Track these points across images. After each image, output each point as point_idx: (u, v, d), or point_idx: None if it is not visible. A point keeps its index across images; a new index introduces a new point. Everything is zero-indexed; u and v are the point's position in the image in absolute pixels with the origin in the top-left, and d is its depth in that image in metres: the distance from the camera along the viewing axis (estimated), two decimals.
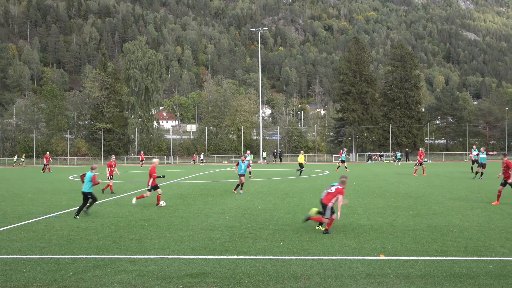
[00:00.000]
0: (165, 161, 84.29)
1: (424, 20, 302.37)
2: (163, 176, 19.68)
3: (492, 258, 9.74)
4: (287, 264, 9.52)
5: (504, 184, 18.59)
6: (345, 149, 47.68)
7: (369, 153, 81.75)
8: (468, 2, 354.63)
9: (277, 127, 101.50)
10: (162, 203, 18.88)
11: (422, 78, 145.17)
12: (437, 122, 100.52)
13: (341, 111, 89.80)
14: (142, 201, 20.20)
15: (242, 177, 23.66)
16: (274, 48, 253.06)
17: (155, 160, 19.39)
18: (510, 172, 18.47)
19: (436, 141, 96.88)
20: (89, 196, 16.28)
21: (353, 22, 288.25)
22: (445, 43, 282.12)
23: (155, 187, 18.83)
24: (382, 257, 9.94)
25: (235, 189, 23.82)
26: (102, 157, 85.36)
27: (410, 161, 73.04)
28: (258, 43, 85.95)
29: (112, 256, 10.33)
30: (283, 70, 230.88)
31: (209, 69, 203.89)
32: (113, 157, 27.00)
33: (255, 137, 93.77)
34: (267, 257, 10.09)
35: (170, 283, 8.42)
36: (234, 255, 10.26)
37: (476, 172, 32.04)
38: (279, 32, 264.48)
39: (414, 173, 36.69)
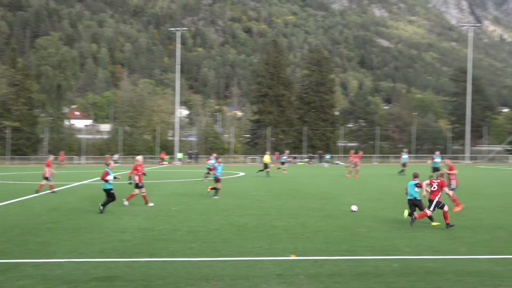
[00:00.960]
0: (75, 162, 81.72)
1: (341, 26, 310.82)
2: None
3: (397, 257, 10.15)
4: (199, 265, 9.48)
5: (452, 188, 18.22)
6: (288, 151, 48.57)
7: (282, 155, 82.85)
8: (382, 10, 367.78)
9: (193, 128, 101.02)
10: (150, 203, 19.13)
11: (337, 83, 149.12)
12: (350, 125, 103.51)
13: (258, 113, 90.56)
14: (50, 203, 19.50)
15: (219, 182, 22.17)
16: (193, 48, 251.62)
17: (139, 158, 19.50)
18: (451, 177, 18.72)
19: (348, 144, 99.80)
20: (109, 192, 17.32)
21: (273, 25, 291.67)
22: (360, 49, 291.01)
23: (139, 184, 18.92)
24: (293, 257, 10.11)
25: (215, 195, 21.87)
26: (9, 156, 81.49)
27: (323, 163, 74.78)
28: (177, 43, 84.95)
29: (15, 261, 9.89)
30: (201, 71, 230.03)
31: (125, 68, 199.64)
32: (51, 157, 26.01)
33: (171, 138, 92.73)
34: (179, 259, 10.01)
35: (76, 287, 8.16)
36: (145, 258, 10.10)
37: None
38: (198, 33, 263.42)
39: (349, 174, 38.02)
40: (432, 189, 14.18)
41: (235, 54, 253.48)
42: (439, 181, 14.26)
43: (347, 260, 9.87)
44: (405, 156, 40.89)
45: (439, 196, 13.93)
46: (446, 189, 14.29)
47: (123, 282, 8.39)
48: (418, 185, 14.52)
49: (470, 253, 10.57)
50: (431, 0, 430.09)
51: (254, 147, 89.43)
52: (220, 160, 23.55)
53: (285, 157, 45.00)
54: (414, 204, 14.56)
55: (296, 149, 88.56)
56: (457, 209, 16.87)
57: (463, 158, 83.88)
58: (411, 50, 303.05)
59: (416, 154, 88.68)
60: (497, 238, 12.19)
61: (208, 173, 34.92)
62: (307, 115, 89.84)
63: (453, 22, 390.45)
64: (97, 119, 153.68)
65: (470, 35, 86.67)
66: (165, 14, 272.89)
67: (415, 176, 14.84)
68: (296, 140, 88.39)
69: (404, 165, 40.21)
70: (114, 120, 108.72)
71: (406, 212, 14.82)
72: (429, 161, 31.64)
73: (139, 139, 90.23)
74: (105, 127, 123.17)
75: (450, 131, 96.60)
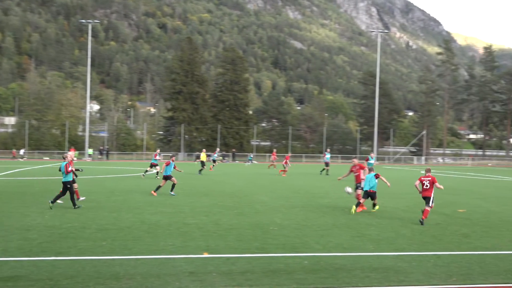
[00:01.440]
0: None
1: (255, 26, 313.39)
2: (81, 170, 19.74)
3: (307, 254, 10.36)
4: (109, 264, 9.25)
5: (358, 187, 18.60)
6: (218, 149, 48.93)
7: (198, 152, 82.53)
8: (296, 13, 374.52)
9: (105, 123, 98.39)
10: (81, 197, 18.96)
11: (251, 82, 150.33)
12: (263, 124, 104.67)
13: (172, 110, 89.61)
14: None
15: (173, 178, 21.87)
16: (105, 42, 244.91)
17: (70, 154, 18.83)
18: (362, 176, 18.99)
19: (261, 143, 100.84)
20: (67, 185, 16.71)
21: (187, 22, 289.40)
22: (274, 50, 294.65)
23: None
24: (206, 255, 10.08)
25: (155, 191, 21.74)
26: None
27: (237, 161, 75.23)
28: (88, 35, 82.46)
29: None
30: (114, 65, 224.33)
31: (33, 59, 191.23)
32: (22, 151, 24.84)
33: (81, 133, 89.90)
34: (88, 257, 9.71)
35: None
36: (52, 256, 9.71)
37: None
38: (111, 26, 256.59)
39: (281, 172, 38.94)
40: (424, 187, 15.02)
41: (149, 49, 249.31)
42: (429, 178, 15.07)
43: (259, 258, 9.96)
44: (328, 156, 41.82)
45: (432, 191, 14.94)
46: (437, 184, 15.12)
47: (28, 282, 8.03)
48: (377, 176, 16.30)
49: (376, 250, 10.96)
50: (343, 5, 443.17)
51: (167, 144, 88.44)
52: (173, 158, 22.88)
53: (215, 155, 46.50)
54: (369, 195, 16.04)
55: (209, 147, 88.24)
56: (360, 209, 17.19)
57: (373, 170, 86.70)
58: (323, 52, 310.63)
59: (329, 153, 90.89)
60: (401, 236, 12.73)
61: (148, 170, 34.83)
62: (221, 113, 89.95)
63: (363, 27, 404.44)
64: (1, 112, 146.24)
65: (379, 40, 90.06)
66: (75, 5, 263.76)
67: (370, 169, 16.91)
68: (210, 138, 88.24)
69: (327, 164, 41.05)
70: (20, 113, 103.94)
71: (353, 208, 16.20)
72: (364, 162, 32.46)
73: (47, 133, 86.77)
74: (10, 120, 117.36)
75: (359, 132, 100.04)
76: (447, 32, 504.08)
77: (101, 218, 14.65)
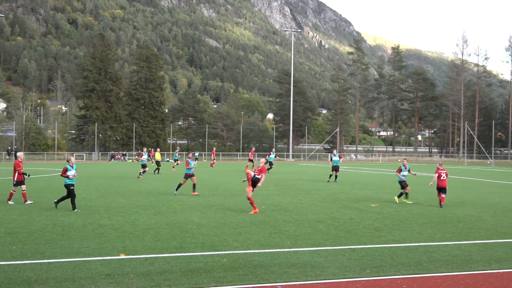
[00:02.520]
0: None
1: (170, 23, 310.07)
2: (28, 175, 18.82)
3: (226, 252, 10.39)
4: (20, 269, 8.87)
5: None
6: (179, 148, 48.90)
7: (112, 152, 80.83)
8: (210, 11, 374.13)
9: (12, 122, 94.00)
10: (29, 201, 18.11)
11: (167, 80, 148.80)
12: (180, 123, 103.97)
13: (84, 108, 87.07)
14: None
15: (194, 177, 22.34)
16: (11, 37, 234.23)
17: (20, 154, 18.33)
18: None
19: (178, 142, 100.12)
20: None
21: (99, 18, 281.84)
22: (189, 47, 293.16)
23: (20, 182, 17.88)
24: (122, 256, 9.89)
25: (176, 189, 22.12)
26: None
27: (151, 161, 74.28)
28: None
29: None
30: (21, 61, 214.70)
31: None
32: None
33: None
34: None
35: None
36: None
37: (330, 175, 31.53)
38: (17, 21, 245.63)
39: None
40: (441, 178, 18.73)
41: (59, 45, 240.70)
42: (445, 171, 18.97)
43: (178, 257, 9.89)
44: (272, 155, 41.44)
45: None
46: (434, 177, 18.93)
47: None
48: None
49: (293, 246, 11.16)
50: (257, 4, 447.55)
51: (80, 143, 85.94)
52: (190, 156, 22.94)
53: (177, 155, 47.31)
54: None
55: (125, 146, 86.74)
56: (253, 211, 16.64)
57: (287, 156, 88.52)
58: (238, 51, 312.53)
59: (242, 152, 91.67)
60: (317, 231, 13.04)
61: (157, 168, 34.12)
62: (136, 112, 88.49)
63: (277, 26, 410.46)
64: None
65: (292, 40, 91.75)
66: None
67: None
68: (125, 137, 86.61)
69: (270, 164, 40.63)
70: None
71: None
72: (330, 161, 32.60)
73: None
74: None
75: (275, 130, 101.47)
76: (357, 32, 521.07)
77: (10, 221, 14.02)
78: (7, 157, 74.81)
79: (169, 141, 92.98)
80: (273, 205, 18.61)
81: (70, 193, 16.54)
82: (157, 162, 39.64)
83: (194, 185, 22.45)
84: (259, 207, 17.58)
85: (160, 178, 32.86)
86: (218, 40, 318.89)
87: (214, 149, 55.57)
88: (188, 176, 22.01)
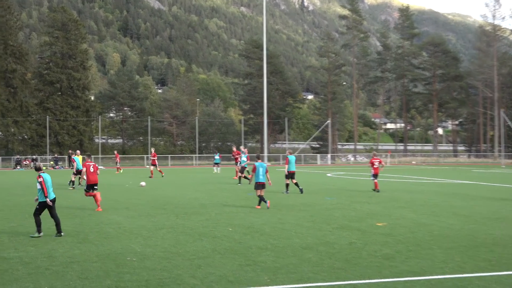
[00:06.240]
0: None
1: None
2: None
3: None
4: None
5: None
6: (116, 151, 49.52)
7: (18, 156, 79.75)
8: None
9: None
10: None
11: (92, 55, 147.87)
12: (112, 115, 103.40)
13: None
14: None
15: (262, 189, 23.98)
16: None
17: None
18: None
19: (110, 141, 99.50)
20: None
21: None
22: (122, 11, 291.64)
23: None
24: None
25: (258, 204, 23.90)
26: None
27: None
28: None
29: None
30: None
31: None
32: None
33: None
34: None
35: None
36: None
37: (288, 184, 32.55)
38: None
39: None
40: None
41: None
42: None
43: None
44: (244, 157, 41.22)
45: None
46: None
47: None
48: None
49: (273, 282, 11.12)
50: None
51: None
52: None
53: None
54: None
55: (36, 147, 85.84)
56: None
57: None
58: (190, 15, 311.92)
59: (200, 154, 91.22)
60: (305, 262, 13.03)
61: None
62: (50, 100, 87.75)
63: None
64: None
65: None
66: None
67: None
68: (35, 135, 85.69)
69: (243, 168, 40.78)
70: None
71: None
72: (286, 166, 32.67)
73: None
74: None
75: (243, 124, 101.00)
76: None
77: None
78: None
79: (97, 140, 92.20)
80: (243, 226, 18.59)
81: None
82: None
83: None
84: (224, 228, 17.55)
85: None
86: (162, 1, 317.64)
87: (153, 149, 54.98)
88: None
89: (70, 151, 37.35)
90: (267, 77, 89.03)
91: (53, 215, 16.78)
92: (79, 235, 16.85)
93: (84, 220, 20.11)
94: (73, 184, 35.16)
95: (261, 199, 23.78)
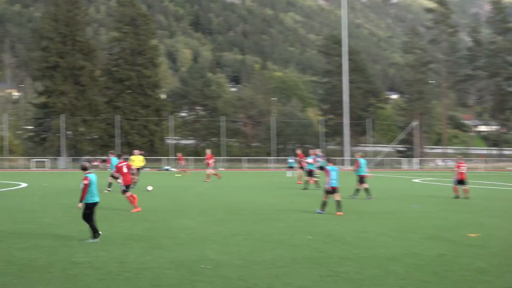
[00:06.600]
0: None
1: None
2: None
3: None
4: None
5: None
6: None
7: (87, 157, 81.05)
8: None
9: None
10: None
11: (162, 52, 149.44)
12: (183, 114, 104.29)
13: (45, 93, 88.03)
14: None
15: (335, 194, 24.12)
16: None
17: None
18: None
19: (182, 141, 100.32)
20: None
21: None
22: (193, 5, 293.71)
23: None
24: None
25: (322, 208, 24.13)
26: None
27: (147, 169, 74.80)
28: None
29: None
30: None
31: None
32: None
33: None
34: None
35: None
36: None
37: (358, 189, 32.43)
38: None
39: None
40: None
41: (5, 3, 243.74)
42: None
43: None
44: (319, 159, 39.75)
45: None
46: None
47: None
48: None
49: None
50: None
51: (40, 145, 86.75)
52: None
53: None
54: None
55: (105, 148, 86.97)
56: None
57: (342, 163, 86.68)
58: (265, 9, 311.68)
59: (277, 156, 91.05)
60: (391, 273, 12.90)
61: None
62: (119, 98, 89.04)
63: None
64: None
65: None
66: None
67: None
68: (105, 135, 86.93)
69: (310, 173, 39.67)
70: None
71: None
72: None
73: None
74: None
75: (322, 125, 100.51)
76: None
77: None
78: None
79: (168, 141, 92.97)
80: (323, 234, 18.52)
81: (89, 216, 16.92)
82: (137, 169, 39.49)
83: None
84: (303, 236, 17.54)
85: (158, 195, 33.00)
86: None
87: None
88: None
89: (110, 151, 37.27)
90: (349, 75, 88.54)
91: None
92: (150, 240, 17.05)
93: (156, 225, 20.35)
94: (109, 187, 34.51)
95: (337, 204, 23.79)
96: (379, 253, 15.33)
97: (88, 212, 16.75)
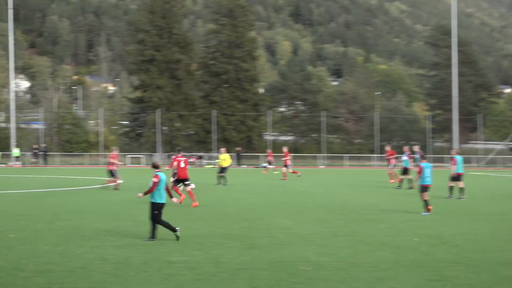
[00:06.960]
0: None
1: None
2: None
3: None
4: None
5: None
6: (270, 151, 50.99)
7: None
8: None
9: (39, 109, 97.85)
10: None
11: (261, 44, 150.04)
12: (282, 109, 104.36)
13: (141, 88, 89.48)
14: None
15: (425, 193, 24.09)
16: None
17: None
18: None
19: (280, 137, 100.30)
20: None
21: None
22: None
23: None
24: None
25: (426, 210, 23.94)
26: None
27: (244, 166, 75.32)
28: None
29: None
30: (48, 20, 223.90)
31: None
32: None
33: (3, 125, 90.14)
34: None
35: None
36: None
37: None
38: None
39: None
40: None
41: None
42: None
43: None
44: (404, 157, 38.69)
45: None
46: None
47: None
48: None
49: None
50: None
51: (136, 140, 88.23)
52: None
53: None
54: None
55: (201, 144, 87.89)
56: None
57: (450, 161, 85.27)
58: None
59: (381, 153, 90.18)
60: (504, 279, 12.64)
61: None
62: (216, 93, 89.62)
63: None
64: None
65: None
66: None
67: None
68: (201, 131, 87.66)
69: (405, 171, 38.88)
70: None
71: None
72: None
73: None
74: None
75: (429, 120, 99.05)
76: None
77: (40, 254, 14.63)
78: (33, 160, 77.75)
79: (266, 137, 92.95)
80: (430, 236, 18.28)
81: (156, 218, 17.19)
82: (223, 169, 39.86)
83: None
84: (408, 237, 17.34)
85: (255, 193, 33.17)
86: None
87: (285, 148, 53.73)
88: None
89: (178, 148, 37.09)
90: (458, 68, 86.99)
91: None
92: (247, 240, 17.16)
93: (253, 224, 20.48)
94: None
95: (426, 203, 23.56)
96: (491, 257, 15.02)
97: (157, 213, 17.02)
